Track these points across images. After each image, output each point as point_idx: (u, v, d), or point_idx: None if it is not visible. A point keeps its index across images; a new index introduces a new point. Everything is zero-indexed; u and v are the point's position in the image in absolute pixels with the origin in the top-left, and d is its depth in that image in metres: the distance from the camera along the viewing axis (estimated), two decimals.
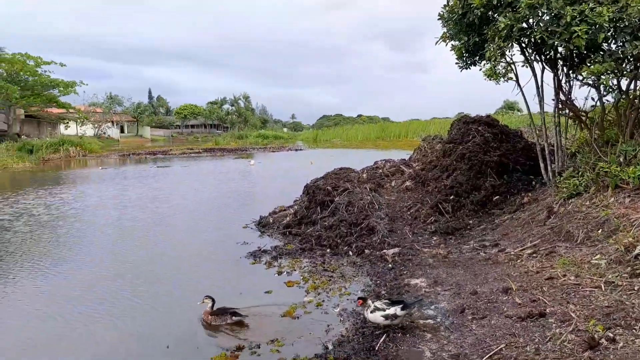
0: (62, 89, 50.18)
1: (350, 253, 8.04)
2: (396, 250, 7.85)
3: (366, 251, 7.99)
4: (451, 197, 9.93)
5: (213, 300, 5.60)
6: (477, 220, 9.28)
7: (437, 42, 9.49)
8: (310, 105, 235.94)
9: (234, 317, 5.46)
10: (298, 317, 5.50)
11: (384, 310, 4.71)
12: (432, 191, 10.63)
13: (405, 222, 9.55)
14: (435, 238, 8.61)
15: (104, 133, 66.16)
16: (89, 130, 63.03)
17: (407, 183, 12.13)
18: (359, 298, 5.07)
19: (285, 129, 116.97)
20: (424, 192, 10.97)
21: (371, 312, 4.77)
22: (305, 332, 5.13)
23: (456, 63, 9.88)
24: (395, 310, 4.68)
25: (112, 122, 72.37)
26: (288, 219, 10.40)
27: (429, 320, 5.12)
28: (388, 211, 9.99)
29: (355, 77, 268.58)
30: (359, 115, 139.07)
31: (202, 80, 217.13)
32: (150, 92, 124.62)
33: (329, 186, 10.65)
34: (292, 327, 5.27)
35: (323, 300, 5.99)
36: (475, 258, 7.16)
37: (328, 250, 8.31)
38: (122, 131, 79.03)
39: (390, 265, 7.24)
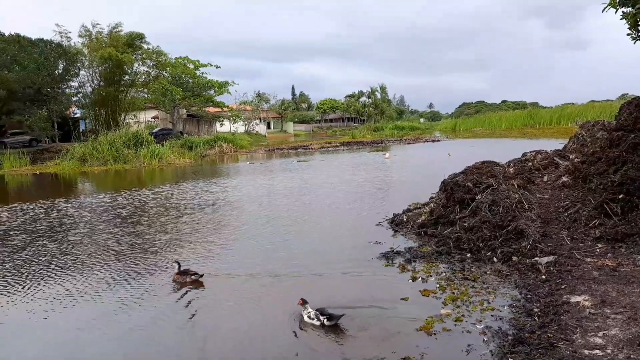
0: (217, 89, 55.36)
1: (495, 259, 7.20)
2: (551, 258, 6.81)
3: (514, 258, 7.07)
4: (620, 196, 8.35)
5: (179, 264, 7.30)
6: None
7: (605, 8, 8.03)
8: (450, 93, 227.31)
9: (192, 277, 7.06)
10: (435, 334, 4.96)
11: (311, 319, 5.47)
12: (596, 188, 9.07)
13: (562, 225, 8.29)
14: (600, 245, 7.29)
15: (253, 129, 71.41)
16: (240, 127, 68.58)
17: (564, 178, 10.60)
18: (301, 299, 5.71)
19: (422, 119, 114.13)
20: (585, 189, 9.43)
21: (307, 316, 5.53)
22: (442, 352, 4.60)
23: (628, 34, 8.29)
24: (322, 320, 5.39)
25: (260, 118, 77.85)
26: (423, 217, 9.79)
27: (597, 351, 4.23)
28: (540, 212, 8.80)
29: (501, 61, 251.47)
30: (504, 101, 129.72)
31: (343, 74, 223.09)
32: (293, 89, 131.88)
33: (470, 182, 9.75)
34: (428, 344, 4.77)
35: (463, 315, 5.37)
36: None
37: (468, 254, 7.55)
38: (268, 127, 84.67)
39: (543, 277, 6.28)
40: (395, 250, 8.01)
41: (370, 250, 8.22)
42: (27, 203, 16.33)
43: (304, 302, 5.65)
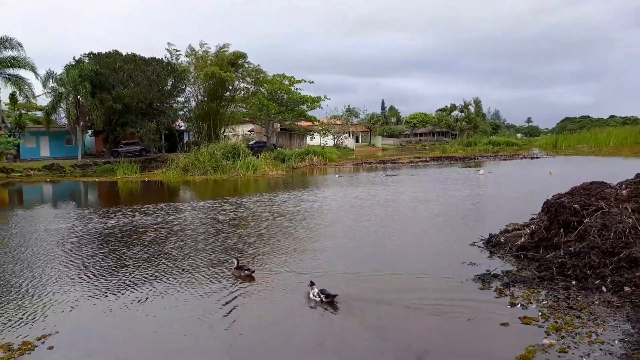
0: (309, 104, 57.13)
1: (604, 289, 6.66)
2: None
3: (626, 288, 6.50)
4: None
5: (238, 260, 8.43)
6: None
7: None
8: (551, 107, 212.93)
9: (246, 272, 8.07)
10: None
11: (314, 297, 6.80)
12: None
13: None
14: None
15: (342, 143, 72.37)
16: (329, 140, 69.89)
17: None
18: (310, 281, 7.14)
19: (519, 135, 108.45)
20: None
21: (312, 294, 6.84)
22: None
23: None
24: (321, 298, 6.69)
25: (349, 132, 78.71)
26: (522, 239, 9.32)
27: None
28: None
29: (609, 74, 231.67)
30: (612, 117, 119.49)
31: (435, 88, 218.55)
32: (383, 103, 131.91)
33: (577, 204, 9.11)
34: None
35: (568, 347, 5.03)
36: None
37: (573, 282, 7.06)
38: (356, 141, 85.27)
39: None
40: (492, 273, 7.70)
41: (465, 271, 7.98)
42: (149, 205, 18.15)
43: (312, 284, 7.00)
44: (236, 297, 7.23)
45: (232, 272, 8.37)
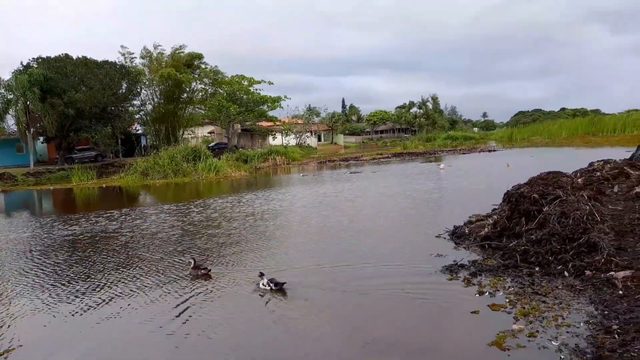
0: (270, 104, 56.70)
1: (566, 273, 6.90)
2: (628, 273, 6.44)
3: (587, 272, 6.76)
4: None
5: (195, 261, 8.52)
6: None
7: None
8: (505, 102, 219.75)
9: (202, 271, 8.23)
10: (508, 349, 4.84)
11: (264, 286, 7.16)
12: None
13: (638, 238, 7.84)
14: None
15: (304, 142, 72.24)
16: (291, 140, 69.61)
17: (637, 189, 10.04)
18: (260, 272, 7.53)
19: (475, 129, 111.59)
20: None
21: (262, 284, 7.22)
22: None
23: None
24: (271, 286, 7.09)
25: (311, 131, 78.67)
26: (486, 230, 9.54)
27: None
28: (613, 224, 8.36)
29: (559, 69, 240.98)
30: (563, 109, 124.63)
31: (395, 86, 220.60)
32: (343, 102, 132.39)
33: (536, 194, 9.41)
34: None
35: (537, 331, 5.18)
36: None
37: (537, 268, 7.28)
38: (319, 139, 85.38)
39: (620, 292, 5.96)
40: (459, 264, 7.85)
41: (433, 263, 8.10)
42: (113, 211, 17.62)
43: (261, 274, 7.42)
44: (212, 296, 7.07)
45: (189, 271, 8.42)
